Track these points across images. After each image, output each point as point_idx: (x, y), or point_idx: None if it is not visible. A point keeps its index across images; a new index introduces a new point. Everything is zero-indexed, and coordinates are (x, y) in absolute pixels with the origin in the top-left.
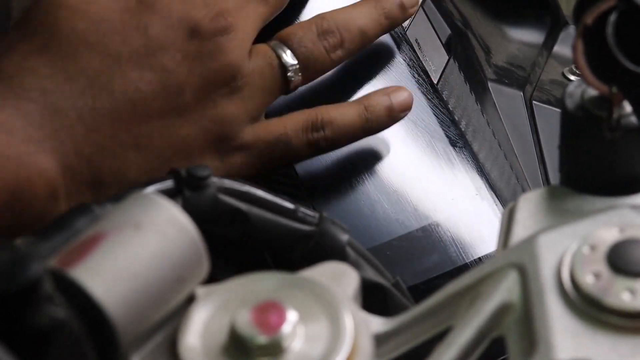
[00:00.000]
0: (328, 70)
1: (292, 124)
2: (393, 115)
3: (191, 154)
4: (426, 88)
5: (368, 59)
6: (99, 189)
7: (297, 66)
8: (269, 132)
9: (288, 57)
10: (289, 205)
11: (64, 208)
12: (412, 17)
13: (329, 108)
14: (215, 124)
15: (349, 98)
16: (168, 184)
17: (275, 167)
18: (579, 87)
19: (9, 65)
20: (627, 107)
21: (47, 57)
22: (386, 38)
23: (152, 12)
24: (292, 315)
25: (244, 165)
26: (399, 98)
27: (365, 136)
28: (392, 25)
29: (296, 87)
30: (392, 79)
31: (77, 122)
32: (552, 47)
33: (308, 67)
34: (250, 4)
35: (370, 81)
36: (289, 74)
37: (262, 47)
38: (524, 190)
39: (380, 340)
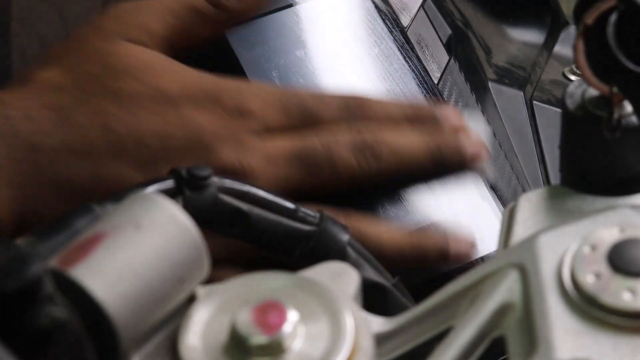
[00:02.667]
0: None
1: None
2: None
3: None
4: (427, 88)
5: (369, 59)
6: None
7: None
8: None
9: None
10: (289, 205)
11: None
12: (413, 17)
13: None
14: None
15: None
16: (168, 183)
17: None
18: (580, 87)
19: (17, 106)
20: (628, 107)
21: (60, 116)
22: (386, 37)
23: (182, 124)
24: (292, 315)
25: None
26: (455, 247)
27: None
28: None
29: None
30: (393, 79)
31: (50, 186)
32: (552, 47)
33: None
34: (288, 164)
35: (371, 81)
36: None
37: None
38: (524, 190)
39: (380, 340)
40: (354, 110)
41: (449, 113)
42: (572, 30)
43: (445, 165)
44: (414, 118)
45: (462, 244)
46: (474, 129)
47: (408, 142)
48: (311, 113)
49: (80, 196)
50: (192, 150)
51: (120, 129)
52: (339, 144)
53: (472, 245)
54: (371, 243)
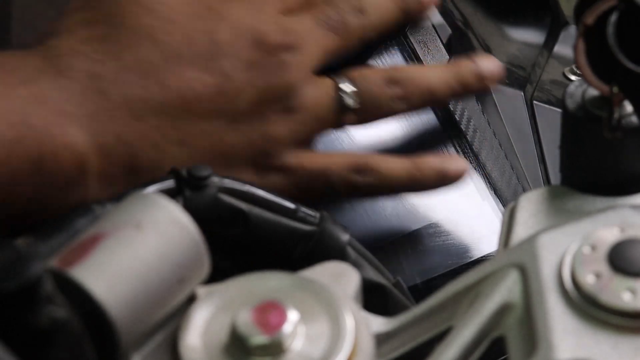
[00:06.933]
0: (385, 118)
1: (338, 160)
2: (443, 180)
3: (230, 163)
4: None
5: (369, 59)
6: (134, 175)
7: (356, 104)
8: (312, 162)
9: (349, 93)
10: (289, 205)
11: (95, 186)
12: None
13: (379, 156)
14: (262, 140)
15: None
16: (169, 183)
17: (313, 199)
18: (580, 87)
19: (62, 45)
20: (628, 107)
21: (104, 45)
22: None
23: (221, 19)
24: (292, 315)
25: (281, 187)
26: (449, 167)
27: (409, 192)
28: (466, 91)
29: (349, 124)
30: None
31: (122, 107)
32: (552, 47)
33: (366, 109)
34: (320, 30)
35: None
36: (345, 109)
37: (326, 78)
38: (524, 190)
39: (380, 340)
40: None
41: None
42: (572, 30)
43: (465, 94)
44: None
45: (457, 163)
46: None
47: (435, 77)
48: None
49: (153, 111)
50: (243, 44)
51: (169, 37)
52: (339, 6)
53: (465, 165)
54: (376, 179)
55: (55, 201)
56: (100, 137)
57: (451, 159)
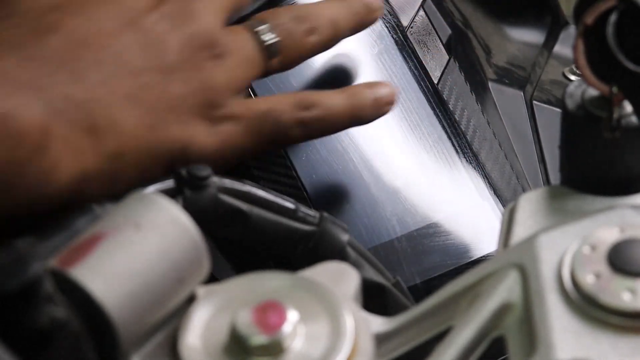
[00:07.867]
0: (305, 57)
1: (282, 100)
2: (379, 106)
3: (182, 117)
4: (426, 88)
5: (368, 58)
6: (95, 136)
7: (276, 41)
8: (258, 105)
9: (266, 33)
10: (289, 205)
11: (62, 153)
12: (413, 17)
13: (319, 92)
14: (202, 88)
15: None
16: (168, 183)
17: (268, 146)
18: (580, 87)
19: None
20: (627, 107)
21: (11, 21)
22: (386, 37)
23: None
24: (292, 315)
25: (235, 135)
26: (381, 92)
27: (353, 124)
28: (362, 23)
29: (277, 67)
30: (393, 79)
31: (60, 69)
32: (552, 47)
33: (286, 47)
34: None
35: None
36: (268, 49)
37: (238, 26)
38: (524, 190)
39: (380, 340)
40: None
41: None
42: (572, 30)
43: (363, 25)
44: None
45: (384, 87)
46: None
47: (331, 10)
48: None
49: (91, 70)
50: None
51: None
52: None
53: (391, 86)
54: (321, 112)
55: (28, 168)
56: (50, 101)
57: (378, 85)
